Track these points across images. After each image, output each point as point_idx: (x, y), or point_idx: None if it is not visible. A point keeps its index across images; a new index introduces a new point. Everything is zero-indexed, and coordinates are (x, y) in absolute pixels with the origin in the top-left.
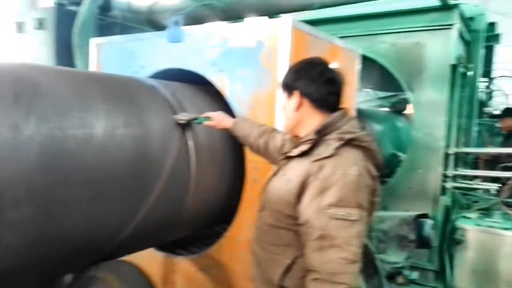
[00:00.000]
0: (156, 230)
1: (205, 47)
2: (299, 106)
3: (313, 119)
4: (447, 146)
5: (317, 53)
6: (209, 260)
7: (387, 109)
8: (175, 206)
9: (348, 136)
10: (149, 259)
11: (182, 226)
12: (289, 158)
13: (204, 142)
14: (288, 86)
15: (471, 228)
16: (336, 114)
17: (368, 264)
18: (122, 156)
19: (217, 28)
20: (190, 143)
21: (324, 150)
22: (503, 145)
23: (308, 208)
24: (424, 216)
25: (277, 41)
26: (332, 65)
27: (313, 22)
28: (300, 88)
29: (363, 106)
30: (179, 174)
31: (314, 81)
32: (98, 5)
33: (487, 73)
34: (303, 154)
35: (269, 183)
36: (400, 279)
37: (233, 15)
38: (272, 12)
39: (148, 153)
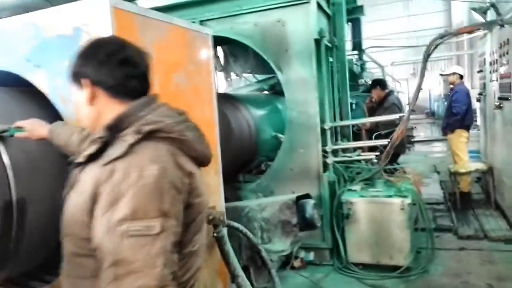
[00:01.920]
0: None
1: (16, 41)
2: (93, 97)
3: (112, 112)
4: (322, 121)
5: (153, 36)
6: None
7: (267, 92)
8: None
9: (147, 128)
10: None
11: (14, 261)
12: (82, 164)
13: (28, 153)
14: (76, 75)
15: (356, 200)
16: (136, 103)
17: (255, 257)
18: None
19: (29, 18)
20: (5, 159)
21: (116, 149)
22: (376, 113)
23: (98, 227)
24: (306, 196)
25: (96, 25)
26: None
27: (170, 8)
28: (89, 76)
29: (243, 92)
30: None
31: (103, 64)
32: None
33: (357, 46)
34: (93, 158)
35: (66, 200)
36: (297, 263)
37: None
38: None
39: None
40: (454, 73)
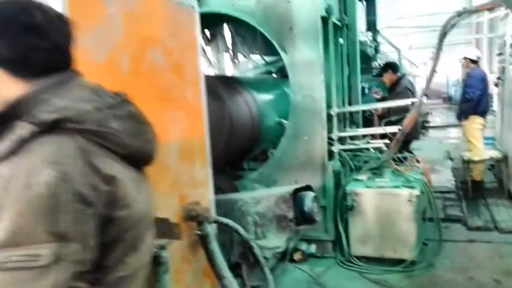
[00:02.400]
0: None
1: None
2: None
3: (8, 94)
4: (329, 107)
5: (121, 7)
6: None
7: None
8: None
9: (47, 117)
10: None
11: None
12: None
13: None
14: None
15: (361, 191)
16: (42, 82)
17: (248, 254)
18: None
19: None
20: None
21: (1, 146)
22: (388, 99)
23: None
24: (307, 188)
25: None
26: None
27: None
28: None
29: (250, 75)
30: None
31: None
32: None
33: (371, 26)
34: None
35: None
36: (297, 256)
37: None
38: None
39: None
40: (465, 58)
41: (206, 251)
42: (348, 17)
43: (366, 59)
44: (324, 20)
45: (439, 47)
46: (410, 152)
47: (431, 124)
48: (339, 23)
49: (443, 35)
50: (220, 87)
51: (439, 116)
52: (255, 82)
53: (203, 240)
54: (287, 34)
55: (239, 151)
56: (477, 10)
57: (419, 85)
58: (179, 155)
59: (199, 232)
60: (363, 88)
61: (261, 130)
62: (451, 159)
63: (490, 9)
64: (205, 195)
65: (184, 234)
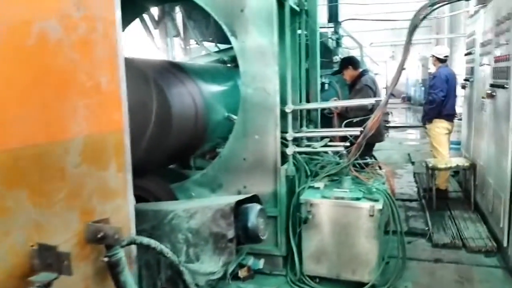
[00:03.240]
0: None
1: None
2: None
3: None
4: (283, 103)
5: None
6: None
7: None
8: None
9: None
10: None
11: None
12: None
13: None
14: None
15: (317, 202)
16: None
17: (177, 279)
18: None
19: None
20: None
21: None
22: (348, 97)
23: None
24: (253, 199)
25: None
26: None
27: None
28: None
29: (200, 62)
30: None
31: None
32: None
33: (333, 17)
34: None
35: None
36: (243, 272)
37: None
38: None
39: None
40: (432, 56)
41: (116, 283)
42: (308, 3)
43: (327, 52)
44: (280, 3)
45: (408, 41)
46: (373, 156)
47: (390, 125)
48: (297, 8)
49: (413, 28)
50: (159, 74)
51: (398, 116)
52: (203, 71)
53: (112, 269)
54: (238, 16)
55: (179, 147)
56: (450, 1)
57: (380, 84)
58: (81, 156)
59: (106, 259)
60: (322, 84)
61: (208, 125)
62: (412, 162)
63: None
64: (122, 208)
65: (86, 262)
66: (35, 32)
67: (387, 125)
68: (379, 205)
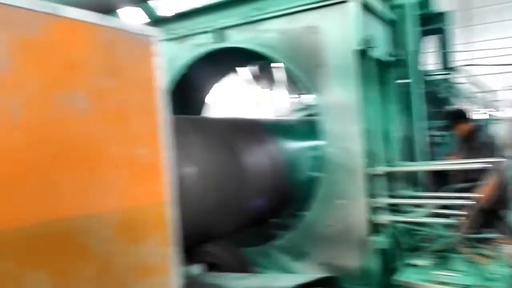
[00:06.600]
0: None
1: None
2: None
3: None
4: (371, 164)
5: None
6: None
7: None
8: None
9: None
10: None
11: None
12: None
13: None
14: None
15: (419, 286)
16: None
17: None
18: None
19: None
20: None
21: None
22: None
23: None
24: (328, 281)
25: None
26: None
27: (181, 16)
28: None
29: (294, 117)
30: None
31: None
32: None
33: (444, 63)
34: None
35: None
36: None
37: None
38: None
39: None
40: None
41: None
42: (406, 52)
43: (437, 102)
44: (361, 53)
45: None
46: (500, 228)
47: None
48: (390, 58)
49: None
50: (233, 135)
51: None
52: (288, 127)
53: None
54: (317, 71)
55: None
56: None
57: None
58: (111, 231)
59: None
60: (433, 138)
61: (291, 186)
62: None
63: None
64: (163, 285)
65: None
66: (57, 104)
67: None
68: None
